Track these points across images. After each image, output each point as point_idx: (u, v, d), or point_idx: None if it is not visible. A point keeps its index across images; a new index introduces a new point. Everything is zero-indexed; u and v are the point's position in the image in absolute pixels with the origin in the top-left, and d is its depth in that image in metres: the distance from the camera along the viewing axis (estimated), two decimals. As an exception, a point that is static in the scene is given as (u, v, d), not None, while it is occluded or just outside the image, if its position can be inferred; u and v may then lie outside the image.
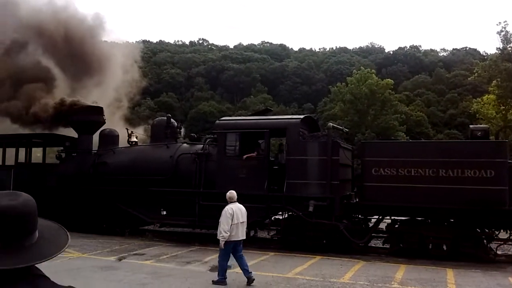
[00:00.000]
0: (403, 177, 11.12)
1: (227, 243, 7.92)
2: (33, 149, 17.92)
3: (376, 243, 13.37)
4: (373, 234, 12.55)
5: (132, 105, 22.27)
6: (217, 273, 8.28)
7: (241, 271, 8.24)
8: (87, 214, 14.62)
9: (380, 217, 12.12)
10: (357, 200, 12.54)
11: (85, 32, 19.86)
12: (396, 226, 11.85)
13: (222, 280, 8.10)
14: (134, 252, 11.20)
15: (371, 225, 12.54)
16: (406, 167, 11.14)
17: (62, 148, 16.51)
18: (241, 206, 8.24)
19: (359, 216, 12.53)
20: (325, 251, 11.50)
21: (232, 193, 8.27)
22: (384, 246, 12.28)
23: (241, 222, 8.07)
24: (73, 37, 19.25)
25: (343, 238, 11.50)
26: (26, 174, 16.08)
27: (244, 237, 8.29)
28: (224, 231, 7.83)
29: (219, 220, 8.04)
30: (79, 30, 19.71)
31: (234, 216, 7.93)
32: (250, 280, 8.07)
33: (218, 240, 8.03)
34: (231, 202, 8.18)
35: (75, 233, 13.98)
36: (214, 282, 8.14)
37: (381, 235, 13.14)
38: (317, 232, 11.72)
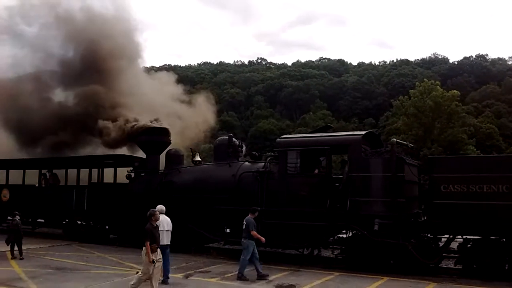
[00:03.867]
0: (474, 194, 10.58)
1: None
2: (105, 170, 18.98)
3: (447, 263, 12.74)
4: (444, 254, 11.97)
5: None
6: None
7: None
8: (155, 231, 15.15)
9: (451, 236, 11.57)
10: (425, 218, 12.06)
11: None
12: (469, 245, 11.23)
13: (165, 280, 9.71)
14: (200, 270, 11.45)
15: (441, 244, 11.99)
16: (478, 183, 10.60)
17: (131, 168, 17.32)
18: (166, 217, 9.99)
19: (428, 235, 12.01)
20: (393, 272, 11.11)
21: (160, 207, 9.95)
22: (456, 266, 11.66)
23: (166, 230, 9.76)
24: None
25: (412, 258, 11.07)
26: (98, 193, 17.04)
27: (169, 243, 9.85)
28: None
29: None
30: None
31: (160, 225, 9.37)
32: (165, 282, 9.65)
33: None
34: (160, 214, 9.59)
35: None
36: (162, 281, 9.60)
37: (452, 255, 12.52)
38: (384, 252, 11.37)
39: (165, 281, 9.74)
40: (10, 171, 20.25)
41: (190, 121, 21.13)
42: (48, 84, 21.74)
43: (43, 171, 19.55)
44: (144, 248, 8.49)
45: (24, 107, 20.30)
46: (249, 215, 10.87)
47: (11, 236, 12.94)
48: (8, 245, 12.94)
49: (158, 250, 8.62)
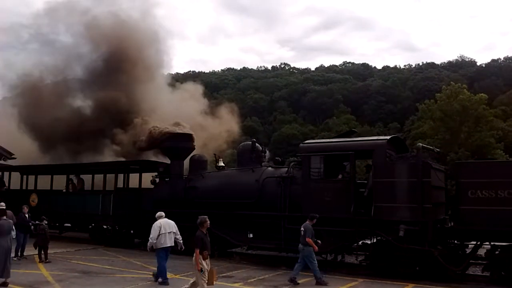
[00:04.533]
0: (503, 199, 10.32)
1: (159, 249, 10.16)
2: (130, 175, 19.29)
3: (474, 270, 12.42)
4: (471, 261, 11.70)
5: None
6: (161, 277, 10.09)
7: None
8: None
9: (479, 243, 11.29)
10: (452, 224, 11.82)
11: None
12: (497, 252, 10.94)
13: (165, 280, 10.06)
14: (223, 275, 11.46)
15: (468, 251, 11.71)
16: (507, 188, 10.34)
17: (156, 173, 17.55)
18: (169, 220, 10.54)
19: (455, 241, 11.76)
20: (419, 279, 10.90)
21: (159, 213, 10.67)
22: (484, 274, 11.37)
23: (168, 232, 10.26)
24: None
25: (438, 265, 10.85)
26: (124, 198, 17.32)
27: (172, 244, 10.34)
28: (151, 239, 10.18)
29: None
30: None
31: (161, 228, 10.16)
32: (164, 283, 10.02)
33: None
34: (160, 218, 10.46)
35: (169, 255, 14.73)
36: (160, 283, 10.05)
37: (480, 262, 12.21)
38: (409, 258, 11.15)
39: (165, 282, 10.08)
40: (38, 176, 20.77)
41: (214, 132, 21.24)
42: (71, 89, 22.29)
43: (70, 176, 20.00)
44: (194, 255, 8.32)
45: (47, 113, 20.83)
46: (307, 222, 10.76)
47: (39, 240, 13.26)
48: (36, 248, 13.27)
49: (208, 258, 8.49)
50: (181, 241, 10.62)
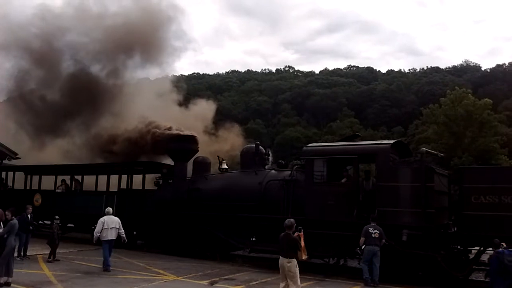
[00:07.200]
0: (506, 205, 10.30)
1: (103, 241, 11.96)
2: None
3: (477, 276, 12.37)
4: (474, 267, 11.66)
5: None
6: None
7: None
8: (181, 237, 15.34)
9: (482, 248, 11.25)
10: (455, 229, 11.78)
11: None
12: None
13: (106, 267, 11.80)
14: (225, 277, 11.48)
15: (471, 256, 11.67)
16: (510, 194, 10.32)
17: (159, 175, 17.57)
18: (113, 216, 12.39)
19: (458, 247, 11.73)
20: (421, 284, 10.89)
21: (107, 209, 12.73)
22: (487, 279, 11.30)
23: (110, 228, 12.05)
24: None
25: (441, 270, 10.81)
26: (127, 199, 17.36)
27: (114, 238, 12.17)
28: (95, 233, 12.14)
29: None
30: None
31: (105, 224, 12.01)
32: (106, 270, 11.69)
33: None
34: (106, 214, 12.37)
35: (172, 256, 14.77)
36: (104, 270, 11.72)
37: (483, 267, 12.14)
38: (412, 263, 11.14)
39: (107, 269, 11.74)
40: (42, 176, 20.85)
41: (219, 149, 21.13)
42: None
43: (63, 177, 20.04)
44: (294, 260, 8.23)
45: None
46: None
47: (48, 238, 13.40)
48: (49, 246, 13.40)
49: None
50: (124, 235, 12.40)
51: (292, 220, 8.59)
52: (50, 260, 13.06)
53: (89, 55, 21.23)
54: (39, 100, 21.22)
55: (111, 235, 12.14)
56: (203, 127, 21.50)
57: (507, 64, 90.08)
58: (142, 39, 20.80)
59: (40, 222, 18.86)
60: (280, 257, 8.33)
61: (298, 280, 8.26)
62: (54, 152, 22.27)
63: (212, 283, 10.66)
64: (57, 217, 13.95)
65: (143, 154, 18.74)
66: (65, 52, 21.55)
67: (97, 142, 19.79)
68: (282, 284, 8.29)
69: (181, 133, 17.13)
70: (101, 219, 12.24)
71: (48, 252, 13.39)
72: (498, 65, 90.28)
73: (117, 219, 12.41)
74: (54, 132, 21.01)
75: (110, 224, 12.17)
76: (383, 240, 10.80)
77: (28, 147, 21.97)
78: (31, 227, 13.46)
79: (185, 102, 24.41)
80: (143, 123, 18.86)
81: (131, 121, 19.55)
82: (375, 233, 10.74)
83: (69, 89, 20.48)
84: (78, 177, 20.00)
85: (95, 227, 12.54)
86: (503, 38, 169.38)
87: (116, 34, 20.51)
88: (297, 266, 8.24)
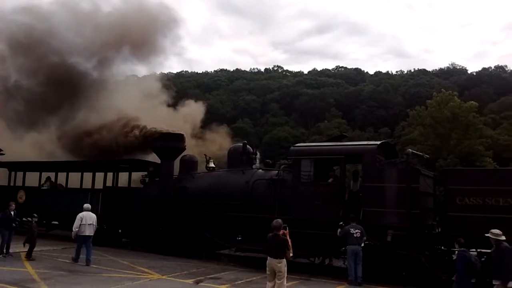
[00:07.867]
0: (490, 207, 10.43)
1: (80, 237, 12.33)
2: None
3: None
4: (457, 268, 11.77)
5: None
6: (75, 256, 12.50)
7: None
8: (167, 236, 15.25)
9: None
10: (439, 230, 11.90)
11: None
12: (483, 259, 11.03)
13: (76, 258, 12.38)
14: (211, 276, 11.45)
15: (455, 257, 11.78)
16: (494, 196, 10.45)
17: (146, 173, 17.44)
18: (91, 213, 12.65)
19: (442, 247, 11.84)
20: (405, 284, 10.98)
21: (86, 205, 12.90)
22: (452, 279, 11.45)
23: (88, 224, 12.37)
24: None
25: (425, 271, 10.91)
26: (113, 197, 17.19)
27: (91, 234, 12.49)
28: (73, 228, 12.35)
29: None
30: None
31: (83, 219, 12.31)
32: (88, 263, 12.06)
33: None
34: (85, 210, 12.59)
35: (157, 255, 14.67)
36: (72, 260, 12.38)
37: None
38: (396, 264, 11.23)
39: (76, 259, 12.33)
40: (26, 173, 20.56)
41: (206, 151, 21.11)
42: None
43: (48, 174, 19.80)
44: (284, 260, 8.22)
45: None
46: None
47: (27, 237, 13.14)
48: (24, 246, 13.13)
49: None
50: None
51: (280, 220, 8.56)
52: (28, 258, 12.84)
53: (75, 48, 20.98)
54: (18, 91, 20.97)
55: (89, 231, 12.44)
56: (191, 131, 21.45)
57: (493, 67, 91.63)
58: (131, 34, 20.66)
59: (24, 219, 18.56)
60: (269, 257, 8.30)
61: (285, 279, 8.26)
62: (34, 147, 21.93)
63: (197, 282, 10.62)
64: (35, 215, 13.75)
65: (123, 150, 18.60)
66: (49, 43, 21.20)
67: (72, 135, 19.54)
68: (270, 284, 8.28)
69: (169, 130, 17.00)
70: (80, 215, 12.47)
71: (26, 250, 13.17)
72: (484, 68, 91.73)
73: (94, 216, 12.70)
74: (33, 125, 20.72)
75: (88, 220, 12.44)
76: (365, 238, 10.89)
77: (9, 141, 21.62)
78: (14, 224, 13.26)
79: (173, 103, 24.29)
80: (125, 118, 18.71)
81: (111, 116, 19.39)
82: (356, 232, 10.85)
83: (50, 79, 20.23)
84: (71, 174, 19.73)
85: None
86: (490, 42, 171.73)
87: (105, 27, 20.34)
88: (286, 265, 8.23)
